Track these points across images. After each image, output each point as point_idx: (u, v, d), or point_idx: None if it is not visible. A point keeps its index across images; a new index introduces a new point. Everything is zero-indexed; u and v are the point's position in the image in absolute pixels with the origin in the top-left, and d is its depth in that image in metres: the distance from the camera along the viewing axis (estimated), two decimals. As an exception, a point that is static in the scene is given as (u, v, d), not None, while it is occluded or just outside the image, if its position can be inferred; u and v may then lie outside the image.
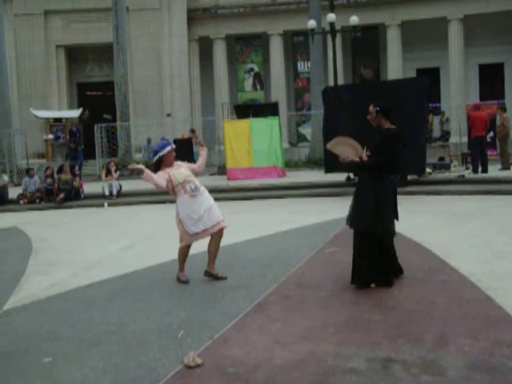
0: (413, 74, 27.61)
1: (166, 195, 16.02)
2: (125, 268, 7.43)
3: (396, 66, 27.86)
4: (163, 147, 6.55)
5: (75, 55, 30.06)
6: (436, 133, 26.91)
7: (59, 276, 7.25)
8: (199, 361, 4.12)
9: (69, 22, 28.75)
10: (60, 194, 15.98)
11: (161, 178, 6.37)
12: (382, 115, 6.18)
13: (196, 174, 6.70)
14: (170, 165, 6.55)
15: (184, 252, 6.65)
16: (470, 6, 26.47)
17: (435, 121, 26.77)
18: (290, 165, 21.68)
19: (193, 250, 6.81)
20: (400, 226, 9.17)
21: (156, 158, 6.53)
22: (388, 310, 5.13)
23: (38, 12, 28.35)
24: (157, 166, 6.55)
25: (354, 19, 20.34)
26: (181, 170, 6.52)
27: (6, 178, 17.48)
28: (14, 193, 16.84)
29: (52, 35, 28.74)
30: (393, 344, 4.32)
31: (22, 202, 16.22)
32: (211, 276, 6.53)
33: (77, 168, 17.44)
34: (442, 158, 18.21)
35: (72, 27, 28.73)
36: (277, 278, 6.38)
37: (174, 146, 6.64)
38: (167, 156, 6.52)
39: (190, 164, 6.82)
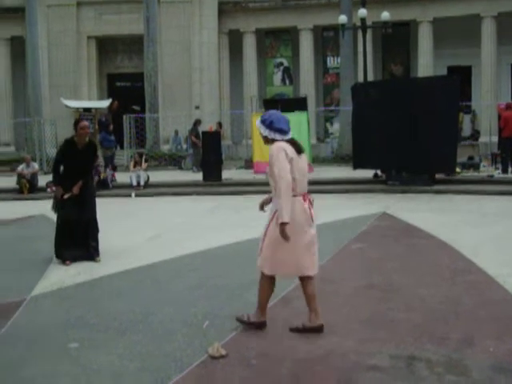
0: (444, 72, 27.24)
1: (193, 187, 16.18)
2: (151, 258, 7.49)
3: (427, 63, 27.54)
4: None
5: (106, 46, 30.29)
6: (466, 132, 26.60)
7: (86, 264, 7.34)
8: (223, 352, 4.16)
9: (100, 13, 28.96)
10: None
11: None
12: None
13: None
14: None
15: (268, 286, 4.71)
16: (503, 3, 25.97)
17: (465, 119, 26.46)
18: (318, 160, 21.59)
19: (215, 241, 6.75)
20: (427, 225, 9.16)
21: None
22: (413, 309, 5.10)
23: (70, 3, 28.58)
24: None
25: (386, 15, 20.18)
26: (304, 165, 4.71)
27: (36, 165, 17.71)
28: (42, 181, 17.07)
29: (84, 26, 28.99)
30: (417, 342, 4.31)
31: (49, 189, 16.39)
32: (310, 329, 4.57)
33: (100, 169, 17.30)
34: (471, 158, 18.00)
35: (104, 18, 28.94)
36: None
37: None
38: None
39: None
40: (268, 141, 4.63)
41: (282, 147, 4.47)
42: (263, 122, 4.60)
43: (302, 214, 4.53)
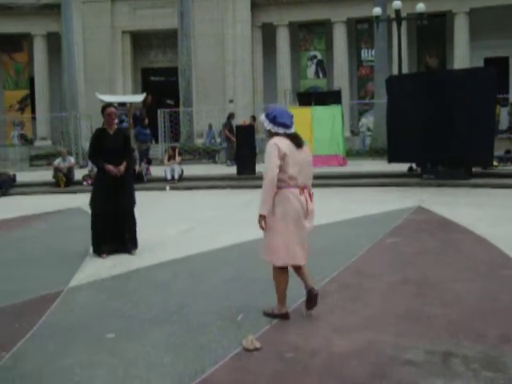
0: (480, 64, 26.79)
1: (227, 181, 16.22)
2: (185, 251, 7.54)
3: (463, 55, 27.14)
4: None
5: (140, 41, 30.57)
6: (503, 125, 26.11)
7: (122, 256, 7.43)
8: (257, 344, 4.17)
9: (135, 8, 29.26)
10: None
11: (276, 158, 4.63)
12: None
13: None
14: None
15: (281, 276, 4.82)
16: (543, -8, 25.45)
17: (503, 112, 25.97)
18: (351, 154, 21.45)
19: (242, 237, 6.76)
20: (463, 219, 9.03)
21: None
22: (449, 304, 5.04)
23: (105, -2, 28.99)
24: None
25: (421, 6, 19.91)
26: (304, 158, 4.83)
27: (72, 159, 17.98)
28: (78, 174, 17.31)
29: (118, 21, 29.32)
30: (453, 338, 4.25)
31: (85, 183, 16.62)
32: (309, 296, 4.82)
33: (139, 166, 17.34)
34: (508, 151, 17.67)
35: (138, 13, 29.23)
36: (336, 266, 6.36)
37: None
38: None
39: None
40: (272, 134, 4.79)
41: (275, 144, 4.64)
42: (267, 116, 4.79)
43: (297, 205, 4.71)
